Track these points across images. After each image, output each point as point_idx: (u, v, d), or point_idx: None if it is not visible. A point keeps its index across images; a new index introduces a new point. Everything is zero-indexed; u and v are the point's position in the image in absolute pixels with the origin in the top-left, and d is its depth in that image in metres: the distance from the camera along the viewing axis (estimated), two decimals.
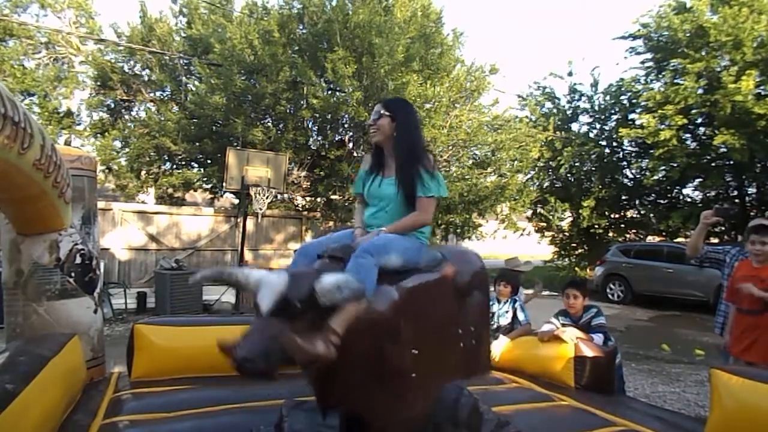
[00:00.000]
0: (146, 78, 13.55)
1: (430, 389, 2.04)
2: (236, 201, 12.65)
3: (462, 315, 2.19)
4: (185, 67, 12.59)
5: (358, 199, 2.35)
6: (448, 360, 2.12)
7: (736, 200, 12.54)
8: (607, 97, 13.93)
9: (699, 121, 11.99)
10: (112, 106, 14.16)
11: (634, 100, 13.04)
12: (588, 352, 3.22)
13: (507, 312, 3.97)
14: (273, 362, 1.52)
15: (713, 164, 11.84)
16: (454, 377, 2.18)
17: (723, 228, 12.42)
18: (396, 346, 1.87)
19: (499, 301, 4.01)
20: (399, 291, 1.93)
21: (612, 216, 14.59)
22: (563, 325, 3.48)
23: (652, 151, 11.78)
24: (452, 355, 2.14)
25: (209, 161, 11.90)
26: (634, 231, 14.51)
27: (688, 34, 11.03)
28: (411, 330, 1.92)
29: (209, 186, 12.90)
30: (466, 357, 2.19)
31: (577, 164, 14.28)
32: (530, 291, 4.23)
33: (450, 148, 11.17)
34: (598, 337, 3.36)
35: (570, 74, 14.65)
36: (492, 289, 3.84)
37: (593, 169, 14.12)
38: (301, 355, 1.55)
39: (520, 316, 3.94)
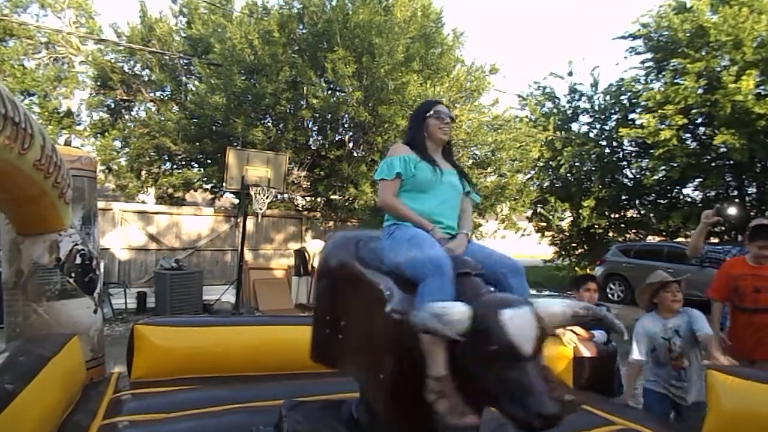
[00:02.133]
0: (146, 78, 13.56)
1: None
2: (236, 201, 12.66)
3: None
4: (185, 67, 12.59)
5: (393, 187, 2.06)
6: None
7: (736, 200, 12.54)
8: (607, 97, 13.93)
9: (699, 121, 11.98)
10: (112, 106, 14.17)
11: (634, 100, 13.04)
12: (587, 353, 3.22)
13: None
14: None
15: (713, 164, 11.83)
16: None
17: (723, 228, 12.41)
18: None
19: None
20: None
21: (612, 216, 14.59)
22: None
23: (652, 151, 11.78)
24: None
25: (209, 161, 11.90)
26: (634, 231, 14.50)
27: (688, 34, 11.03)
28: None
29: (209, 186, 12.90)
30: None
31: (577, 164, 14.28)
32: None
33: None
34: (600, 334, 3.36)
35: (570, 74, 14.67)
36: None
37: (593, 169, 14.11)
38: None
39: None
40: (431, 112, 2.20)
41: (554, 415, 1.28)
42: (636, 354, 2.99)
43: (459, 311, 1.43)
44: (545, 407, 1.28)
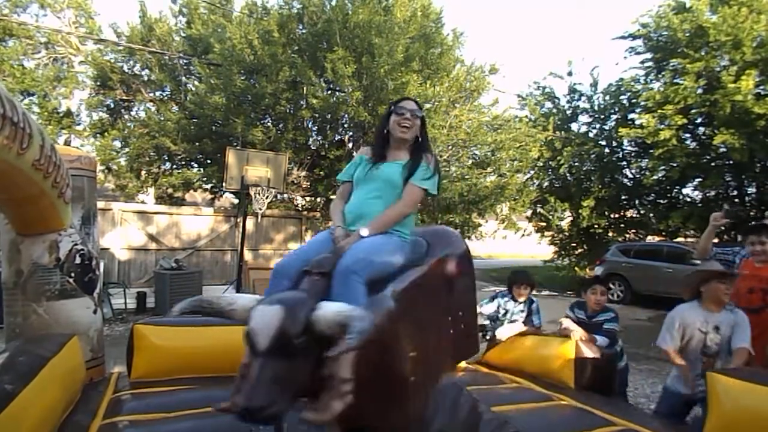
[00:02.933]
0: (146, 78, 13.55)
1: (429, 387, 2.03)
2: (236, 201, 12.65)
3: (452, 301, 2.18)
4: (185, 67, 12.59)
5: (342, 189, 2.24)
6: (441, 351, 2.12)
7: (736, 200, 12.53)
8: (607, 97, 13.92)
9: (699, 121, 11.98)
10: (112, 106, 14.17)
11: (633, 100, 13.03)
12: (589, 353, 3.22)
13: (522, 312, 3.94)
14: (281, 409, 1.40)
15: (713, 164, 11.83)
16: (447, 366, 2.20)
17: (723, 228, 12.41)
18: (395, 356, 1.79)
19: (515, 301, 3.95)
20: (392, 297, 1.81)
21: (612, 216, 14.58)
22: (578, 318, 3.50)
23: (651, 151, 11.78)
24: (445, 345, 2.14)
25: (209, 161, 11.90)
26: (634, 231, 14.50)
27: (687, 34, 11.02)
28: (407, 334, 1.87)
29: (209, 186, 12.90)
30: (456, 342, 2.20)
31: (576, 164, 14.28)
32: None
33: (450, 148, 11.16)
34: (602, 340, 3.36)
35: (570, 74, 14.65)
36: (502, 288, 3.84)
37: (593, 169, 14.11)
38: (322, 423, 1.50)
39: (535, 319, 3.89)
40: (392, 108, 2.22)
41: (248, 409, 1.33)
42: (661, 340, 2.84)
43: (241, 304, 1.58)
44: (242, 399, 1.34)
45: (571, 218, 14.87)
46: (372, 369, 1.63)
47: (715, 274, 2.80)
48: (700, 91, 10.91)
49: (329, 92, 10.57)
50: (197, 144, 11.31)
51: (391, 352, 1.77)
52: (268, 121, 11.31)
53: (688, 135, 12.43)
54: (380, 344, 1.65)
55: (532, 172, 14.50)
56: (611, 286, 11.43)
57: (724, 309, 2.79)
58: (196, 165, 12.77)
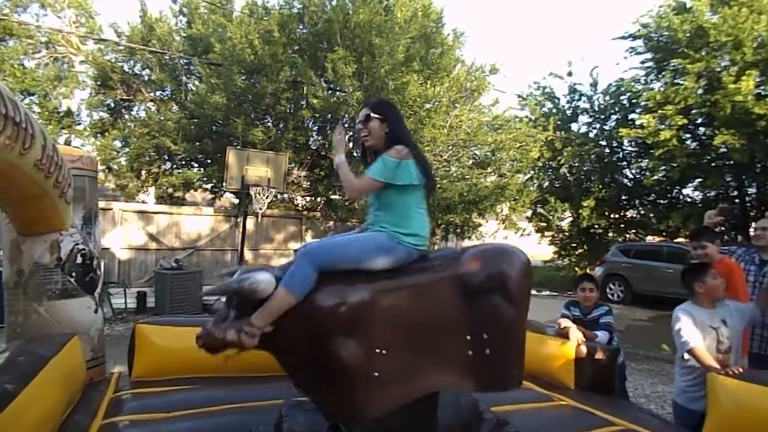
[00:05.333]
0: (146, 78, 13.56)
1: (406, 392, 1.98)
2: (236, 201, 12.66)
3: (472, 319, 2.02)
4: (185, 67, 12.59)
5: None
6: (441, 365, 2.02)
7: (736, 200, 12.53)
8: (607, 97, 13.93)
9: (699, 121, 11.98)
10: (112, 105, 14.17)
11: (634, 100, 13.04)
12: (583, 349, 3.22)
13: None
14: (208, 341, 1.88)
15: (713, 164, 11.83)
16: (456, 385, 2.06)
17: (723, 228, 12.41)
18: (342, 342, 1.88)
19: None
20: (358, 290, 1.92)
21: (612, 216, 14.58)
22: (574, 316, 3.49)
23: (652, 151, 11.78)
24: (450, 361, 2.03)
25: (209, 161, 11.91)
26: (634, 231, 14.50)
27: (688, 35, 11.03)
28: (372, 329, 1.91)
29: (209, 186, 12.91)
30: (477, 366, 2.02)
31: (577, 164, 14.28)
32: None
33: (450, 148, 11.17)
34: (603, 334, 3.35)
35: (570, 74, 14.66)
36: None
37: (593, 169, 14.11)
38: (213, 340, 1.87)
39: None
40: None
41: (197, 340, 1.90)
42: (688, 341, 2.61)
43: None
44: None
45: (571, 218, 14.87)
46: (305, 343, 1.90)
47: (708, 272, 2.74)
48: (700, 91, 10.91)
49: (330, 92, 10.58)
50: (197, 144, 11.32)
51: (337, 338, 1.88)
52: (269, 121, 11.31)
53: (688, 135, 12.43)
54: (318, 325, 1.87)
55: (533, 172, 14.51)
56: (611, 286, 11.43)
57: (718, 303, 2.75)
58: (196, 165, 12.77)
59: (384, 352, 1.93)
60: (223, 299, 1.99)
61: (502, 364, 2.06)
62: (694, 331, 2.62)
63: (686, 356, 2.66)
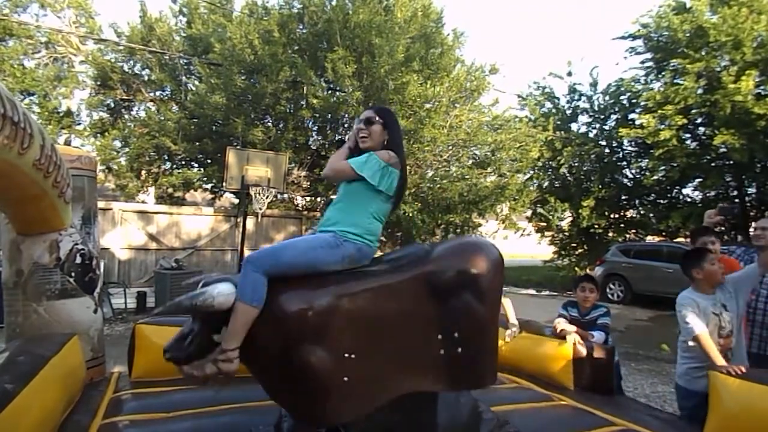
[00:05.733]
0: (146, 78, 13.56)
1: (379, 394, 1.96)
2: (236, 201, 12.66)
3: (442, 318, 1.99)
4: (185, 67, 12.59)
5: None
6: (413, 366, 1.99)
7: (736, 200, 12.53)
8: (607, 97, 13.93)
9: (699, 121, 11.98)
10: (112, 105, 14.17)
11: (633, 100, 13.04)
12: (582, 351, 3.22)
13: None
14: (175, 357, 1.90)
15: (713, 164, 11.83)
16: (429, 386, 2.02)
17: (723, 228, 12.41)
18: (308, 347, 1.85)
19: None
20: (324, 293, 1.89)
21: (612, 216, 14.58)
22: (571, 317, 3.49)
23: (652, 151, 11.78)
24: (422, 361, 2.00)
25: (209, 161, 11.90)
26: (634, 231, 14.50)
27: (687, 34, 11.02)
28: (338, 333, 1.88)
29: (209, 186, 12.90)
30: (449, 366, 2.00)
31: (576, 164, 14.28)
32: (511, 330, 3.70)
33: (450, 148, 11.17)
34: (599, 335, 3.36)
35: (569, 74, 14.66)
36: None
37: (593, 169, 14.11)
38: (195, 381, 1.87)
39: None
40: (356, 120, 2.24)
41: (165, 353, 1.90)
42: (693, 328, 2.62)
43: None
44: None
45: (571, 218, 14.87)
46: (272, 352, 1.87)
47: (706, 257, 2.75)
48: (700, 91, 10.91)
49: (329, 92, 10.57)
50: (197, 144, 11.31)
51: (301, 344, 1.85)
52: (269, 121, 11.31)
53: (688, 135, 12.43)
54: (280, 332, 1.85)
55: (532, 172, 14.50)
56: (611, 286, 11.43)
57: (718, 288, 2.76)
58: (196, 165, 12.77)
59: (353, 356, 1.90)
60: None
61: (475, 363, 2.03)
62: (697, 319, 2.64)
63: (691, 343, 2.68)
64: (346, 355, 1.89)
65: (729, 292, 2.77)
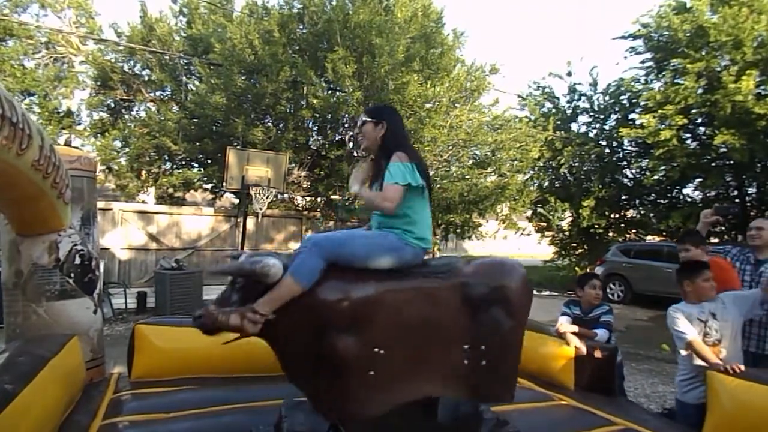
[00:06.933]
0: (146, 78, 13.57)
1: (400, 394, 1.98)
2: (236, 201, 12.66)
3: (470, 329, 2.03)
4: (185, 67, 12.59)
5: None
6: (436, 371, 2.02)
7: (736, 200, 12.53)
8: (607, 97, 13.92)
9: (699, 121, 11.97)
10: (113, 105, 14.18)
11: (634, 100, 13.03)
12: (583, 349, 3.22)
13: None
14: (206, 322, 1.88)
15: (713, 164, 11.82)
16: (449, 393, 2.06)
17: (723, 228, 12.41)
18: (342, 337, 1.88)
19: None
20: (363, 286, 1.93)
21: (612, 216, 14.57)
22: (574, 315, 3.49)
23: (652, 151, 11.77)
24: (445, 368, 2.03)
25: (209, 161, 11.91)
26: (634, 231, 14.49)
27: (688, 34, 11.02)
28: (373, 327, 1.92)
29: (209, 186, 12.91)
30: (471, 376, 2.03)
31: (577, 164, 14.27)
32: None
33: (450, 148, 11.17)
34: (603, 332, 3.36)
35: (569, 74, 14.65)
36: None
37: (593, 168, 14.10)
38: (213, 322, 1.86)
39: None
40: None
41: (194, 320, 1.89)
42: (683, 334, 2.69)
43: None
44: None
45: (571, 218, 14.87)
46: (304, 333, 1.91)
47: (701, 273, 2.79)
48: (700, 91, 10.90)
49: (330, 92, 10.57)
50: (198, 144, 11.32)
51: (335, 331, 1.88)
52: (269, 121, 11.31)
53: (688, 135, 12.43)
54: (318, 316, 1.89)
55: (533, 172, 14.50)
56: (611, 286, 11.44)
57: (708, 299, 2.79)
58: (196, 165, 12.78)
59: (382, 351, 1.93)
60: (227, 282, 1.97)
61: (497, 377, 2.06)
62: (688, 326, 2.70)
63: (684, 352, 2.73)
64: (376, 349, 1.92)
65: (723, 303, 2.79)
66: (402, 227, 2.06)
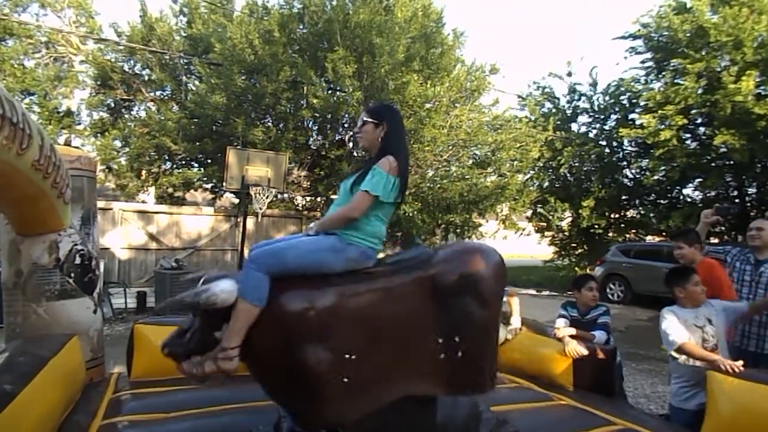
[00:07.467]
0: (146, 77, 13.57)
1: (378, 396, 1.96)
2: (236, 200, 12.66)
3: (443, 322, 1.98)
4: (185, 67, 12.59)
5: None
6: (412, 368, 1.99)
7: (736, 200, 12.53)
8: (607, 97, 13.92)
9: (699, 121, 11.97)
10: (113, 105, 14.17)
11: (634, 100, 13.03)
12: (584, 351, 3.22)
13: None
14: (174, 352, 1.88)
15: (713, 164, 11.82)
16: (429, 390, 2.02)
17: (723, 228, 12.41)
18: (311, 347, 1.85)
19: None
20: (325, 293, 1.89)
21: (612, 216, 14.57)
22: (571, 317, 3.49)
23: (652, 151, 11.77)
24: (422, 364, 2.00)
25: (209, 161, 11.91)
26: (634, 231, 14.49)
27: (688, 34, 11.02)
28: (341, 333, 1.88)
29: (209, 185, 12.91)
30: (449, 370, 1.99)
31: (577, 164, 14.27)
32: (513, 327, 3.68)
33: (450, 148, 11.16)
34: (600, 334, 3.36)
35: (569, 74, 14.65)
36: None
37: (593, 169, 14.10)
38: (195, 378, 1.86)
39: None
40: None
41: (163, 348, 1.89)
42: (674, 338, 2.67)
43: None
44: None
45: (571, 218, 14.87)
46: (272, 352, 1.88)
47: (689, 278, 2.79)
48: (700, 91, 10.90)
49: (330, 92, 10.57)
50: (198, 144, 11.32)
51: (301, 344, 1.86)
52: (269, 121, 11.31)
53: (688, 135, 12.43)
54: (280, 332, 1.85)
55: (533, 172, 14.49)
56: (611, 286, 11.44)
57: (702, 304, 2.80)
58: (196, 164, 12.77)
59: (353, 357, 1.90)
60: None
61: (475, 367, 2.02)
62: (680, 329, 2.68)
63: (675, 354, 2.72)
64: (347, 355, 1.89)
65: (714, 308, 2.79)
66: (342, 231, 2.01)
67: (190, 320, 1.92)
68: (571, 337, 3.32)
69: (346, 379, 1.88)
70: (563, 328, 3.41)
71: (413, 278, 2.00)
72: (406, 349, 1.98)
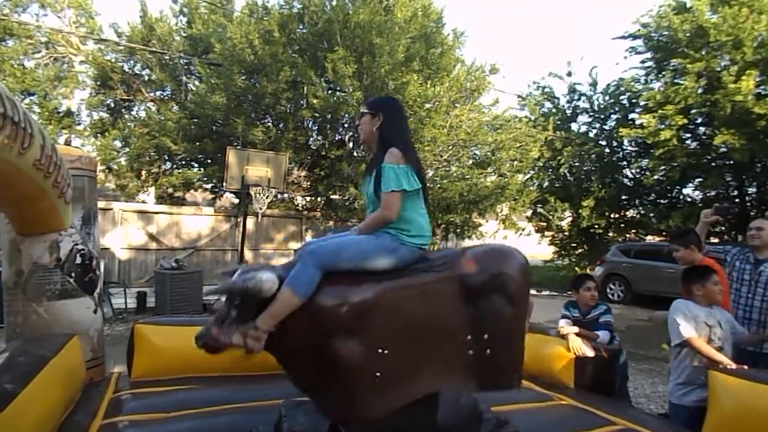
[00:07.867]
0: (146, 78, 13.57)
1: (408, 391, 1.98)
2: (236, 200, 12.67)
3: (472, 319, 2.02)
4: (185, 67, 12.60)
5: None
6: (442, 365, 2.02)
7: (736, 200, 12.53)
8: (607, 97, 13.93)
9: (699, 121, 11.98)
10: (113, 105, 14.18)
11: (634, 100, 13.04)
12: (589, 353, 3.21)
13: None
14: (209, 343, 1.89)
15: (713, 164, 11.83)
16: (458, 385, 2.08)
17: (723, 228, 12.41)
18: (345, 342, 1.88)
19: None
20: (361, 289, 1.93)
21: (612, 216, 14.58)
22: (573, 317, 3.49)
23: (652, 151, 11.78)
24: (451, 361, 2.03)
25: (209, 161, 11.91)
26: (634, 231, 14.50)
27: (688, 34, 11.02)
28: (375, 329, 1.92)
29: (209, 186, 12.91)
30: (478, 366, 2.03)
31: (576, 164, 14.28)
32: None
33: (450, 148, 11.17)
34: (604, 334, 3.35)
35: (569, 74, 14.66)
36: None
37: (593, 168, 14.11)
38: (216, 343, 1.87)
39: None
40: None
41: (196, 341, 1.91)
42: (683, 332, 2.65)
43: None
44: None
45: (571, 218, 14.87)
46: (308, 345, 1.90)
47: (710, 277, 2.77)
48: (700, 91, 10.91)
49: (330, 92, 10.57)
50: (198, 144, 11.32)
51: (337, 339, 1.88)
52: (269, 121, 11.32)
53: (688, 135, 12.43)
54: (320, 325, 1.88)
55: (532, 172, 14.50)
56: (611, 286, 11.43)
57: (715, 306, 2.80)
58: (196, 165, 12.77)
59: (386, 352, 1.93)
60: (224, 298, 1.96)
61: (503, 365, 2.07)
62: (689, 324, 2.67)
63: (676, 344, 2.71)
64: (380, 350, 1.93)
65: (726, 315, 2.80)
66: (395, 227, 2.03)
67: (224, 310, 1.94)
68: (575, 335, 3.31)
69: (378, 374, 1.91)
70: (567, 327, 3.41)
71: (445, 277, 2.05)
72: (436, 345, 2.02)
